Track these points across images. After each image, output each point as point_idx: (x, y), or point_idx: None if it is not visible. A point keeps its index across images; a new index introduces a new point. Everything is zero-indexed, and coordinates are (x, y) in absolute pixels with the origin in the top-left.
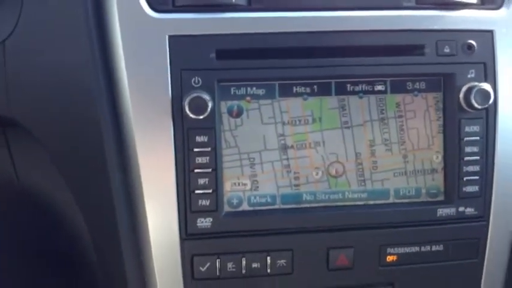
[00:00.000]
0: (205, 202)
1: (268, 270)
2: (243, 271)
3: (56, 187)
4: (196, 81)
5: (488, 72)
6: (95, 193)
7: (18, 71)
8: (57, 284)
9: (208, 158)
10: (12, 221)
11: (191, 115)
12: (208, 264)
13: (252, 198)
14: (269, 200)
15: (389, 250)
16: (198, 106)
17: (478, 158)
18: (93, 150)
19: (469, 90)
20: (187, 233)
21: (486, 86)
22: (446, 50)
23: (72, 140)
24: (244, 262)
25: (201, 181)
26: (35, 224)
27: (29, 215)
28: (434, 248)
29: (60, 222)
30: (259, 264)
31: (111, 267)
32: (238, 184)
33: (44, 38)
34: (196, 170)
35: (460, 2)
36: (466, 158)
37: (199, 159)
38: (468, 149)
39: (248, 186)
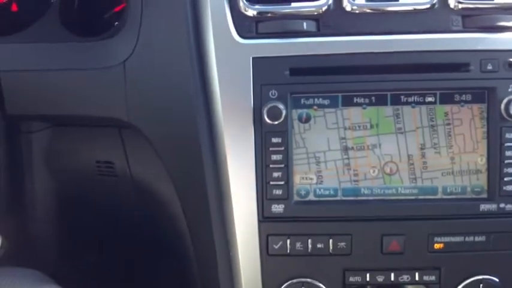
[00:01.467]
0: (278, 192)
1: (330, 251)
2: (309, 250)
3: (160, 181)
4: (273, 93)
5: None
6: (192, 184)
7: (135, 85)
8: (156, 263)
9: (281, 155)
10: (122, 204)
11: (268, 121)
12: (280, 243)
13: (317, 190)
14: (332, 192)
15: (436, 239)
16: (274, 114)
17: None
18: (191, 148)
19: (509, 102)
20: (264, 216)
21: None
22: (489, 67)
23: (175, 140)
24: (310, 243)
25: (275, 174)
26: (140, 209)
27: (138, 203)
28: (477, 238)
29: (162, 210)
30: (323, 245)
31: (203, 245)
32: (306, 178)
33: (156, 59)
34: (271, 166)
35: (502, 25)
36: (507, 161)
37: (274, 157)
38: (509, 153)
39: (314, 180)
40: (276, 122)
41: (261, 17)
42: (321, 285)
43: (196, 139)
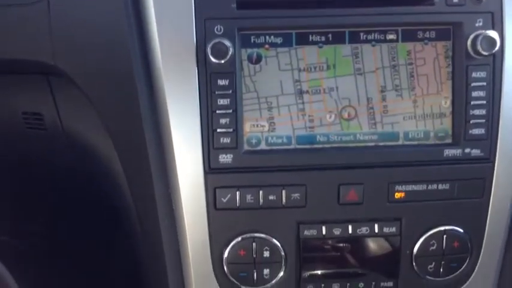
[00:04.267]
0: (226, 140)
1: (283, 203)
2: (260, 203)
3: (96, 133)
4: (219, 29)
5: (496, 21)
6: (130, 135)
7: (61, 24)
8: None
9: (229, 100)
10: (55, 163)
11: (213, 60)
12: (229, 195)
13: (270, 138)
14: (285, 140)
15: (397, 187)
16: (220, 51)
17: (484, 102)
18: (126, 94)
19: (476, 37)
20: (211, 168)
21: (492, 33)
22: (455, 0)
23: (108, 85)
24: (261, 195)
25: (223, 121)
26: (76, 164)
27: (72, 158)
28: (440, 186)
29: (99, 166)
30: (275, 197)
31: (144, 202)
32: (257, 126)
33: None
34: (218, 111)
35: None
36: (473, 102)
37: (221, 101)
38: (475, 94)
39: (266, 128)
40: (222, 61)
41: None
42: (273, 240)
43: (132, 83)
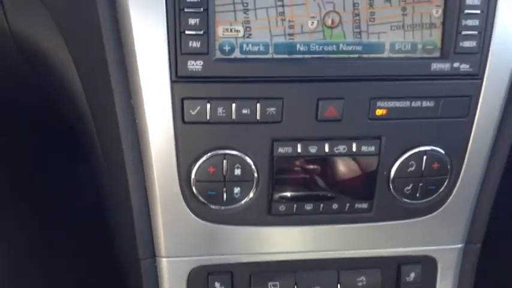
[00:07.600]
0: (196, 44)
1: (258, 117)
2: (233, 117)
3: (48, 36)
4: None
5: None
6: (84, 31)
7: None
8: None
9: None
10: (6, 69)
11: None
12: (198, 108)
13: (245, 45)
14: (262, 48)
15: (379, 103)
16: None
17: (478, 11)
18: None
19: None
20: (178, 75)
21: None
22: None
23: None
24: (234, 108)
25: (192, 21)
26: (29, 73)
27: (23, 65)
28: (424, 103)
29: (52, 71)
30: (249, 110)
31: (103, 113)
32: (231, 30)
33: None
34: (186, 9)
35: None
36: (467, 11)
37: None
38: (469, 1)
39: (241, 33)
40: None
41: None
42: (246, 157)
43: None
